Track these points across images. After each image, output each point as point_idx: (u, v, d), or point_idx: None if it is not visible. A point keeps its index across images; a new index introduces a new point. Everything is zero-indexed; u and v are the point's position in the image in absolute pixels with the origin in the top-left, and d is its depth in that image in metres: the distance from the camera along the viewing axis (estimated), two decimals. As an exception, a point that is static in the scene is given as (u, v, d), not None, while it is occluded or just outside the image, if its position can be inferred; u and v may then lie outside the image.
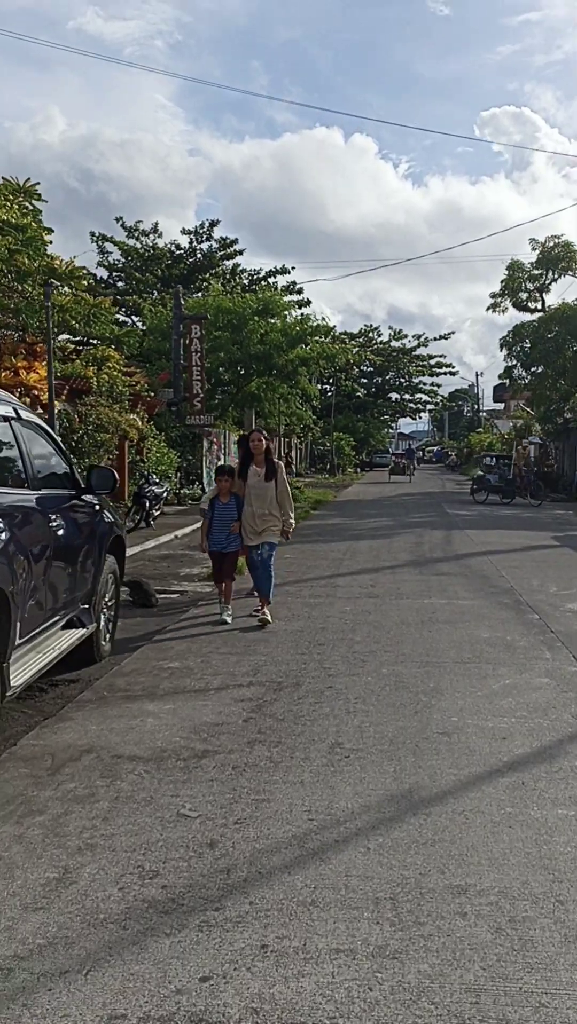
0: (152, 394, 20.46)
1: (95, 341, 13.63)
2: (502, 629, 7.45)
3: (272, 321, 29.09)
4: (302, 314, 31.52)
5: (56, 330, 12.29)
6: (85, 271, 11.55)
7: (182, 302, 27.60)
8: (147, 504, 15.97)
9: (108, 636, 6.67)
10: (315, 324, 29.34)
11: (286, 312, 29.93)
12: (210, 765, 4.25)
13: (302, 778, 4.06)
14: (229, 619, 7.84)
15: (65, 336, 12.71)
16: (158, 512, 17.00)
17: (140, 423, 18.86)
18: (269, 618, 7.65)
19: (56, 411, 14.10)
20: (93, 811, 3.72)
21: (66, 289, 11.86)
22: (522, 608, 8.46)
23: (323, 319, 29.39)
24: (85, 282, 11.75)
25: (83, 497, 6.14)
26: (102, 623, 6.43)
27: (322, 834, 3.47)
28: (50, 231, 12.80)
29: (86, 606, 6.07)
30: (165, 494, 17.42)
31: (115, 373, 15.55)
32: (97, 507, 6.48)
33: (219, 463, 31.24)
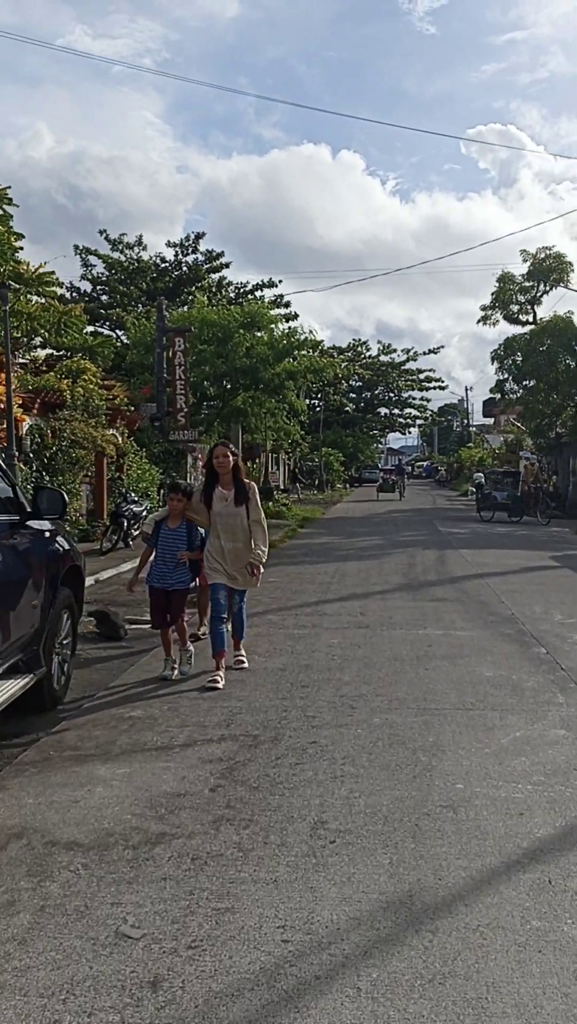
0: (132, 408, 19.70)
1: (69, 353, 12.82)
2: (507, 666, 6.70)
3: (258, 334, 28.46)
4: (289, 327, 30.85)
5: (24, 339, 11.52)
6: (55, 277, 10.78)
7: (166, 315, 26.93)
8: (125, 523, 15.19)
9: (62, 680, 5.88)
10: (302, 337, 28.64)
11: (273, 325, 29.27)
12: (164, 856, 3.47)
13: (276, 875, 3.29)
14: (175, 674, 6.42)
15: (37, 346, 11.92)
16: (137, 532, 16.19)
17: (119, 439, 18.11)
18: (246, 662, 6.83)
19: (27, 426, 13.35)
20: (9, 929, 2.93)
21: (34, 297, 11.10)
22: (527, 640, 7.71)
23: (310, 331, 28.60)
24: (55, 288, 10.97)
25: (29, 523, 5.36)
26: (54, 666, 5.65)
27: (299, 965, 2.69)
28: (20, 236, 12.10)
29: (35, 648, 5.28)
30: (145, 512, 16.63)
31: (91, 386, 14.80)
32: (47, 534, 5.69)
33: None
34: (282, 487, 46.82)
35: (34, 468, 13.04)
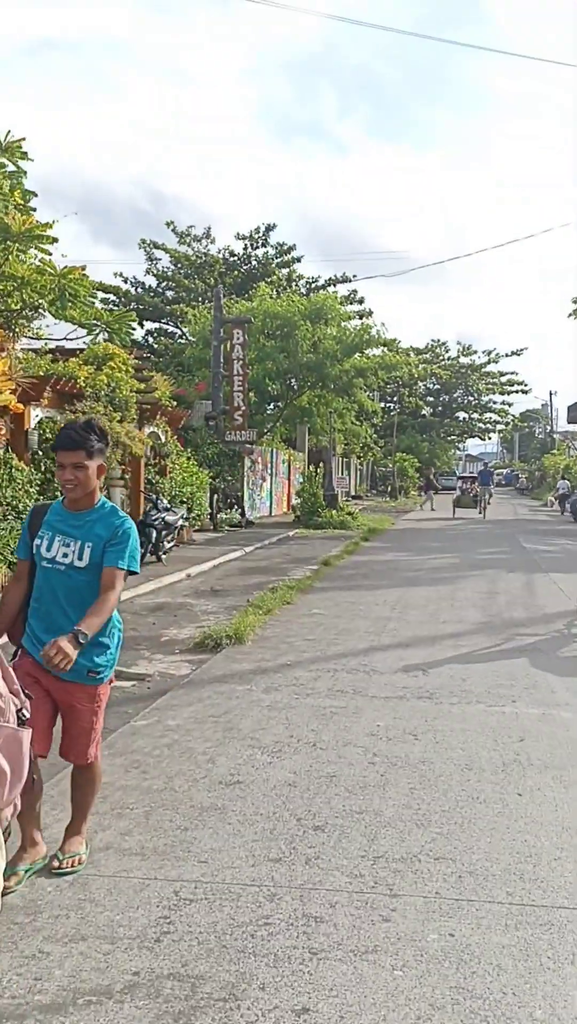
0: (176, 404, 17.62)
1: (85, 331, 10.74)
2: None
3: (326, 328, 26.16)
4: (362, 323, 28.33)
5: (27, 311, 9.48)
6: (50, 234, 8.67)
7: (224, 305, 24.88)
8: (155, 534, 13.06)
9: None
10: (375, 331, 26.17)
11: (341, 318, 26.91)
12: None
13: None
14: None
15: (37, 317, 9.85)
16: (171, 544, 14.07)
17: (161, 436, 16.05)
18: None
19: (35, 419, 11.35)
20: None
21: (33, 256, 9.04)
22: None
23: (382, 324, 26.12)
24: (48, 247, 8.86)
25: None
26: None
27: None
28: (31, 195, 10.10)
29: None
30: (181, 522, 14.50)
31: (118, 374, 12.72)
32: None
33: (263, 483, 28.51)
34: (353, 493, 44.41)
35: (43, 469, 11.01)
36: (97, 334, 10.65)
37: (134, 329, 12.62)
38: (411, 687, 6.16)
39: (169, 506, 14.10)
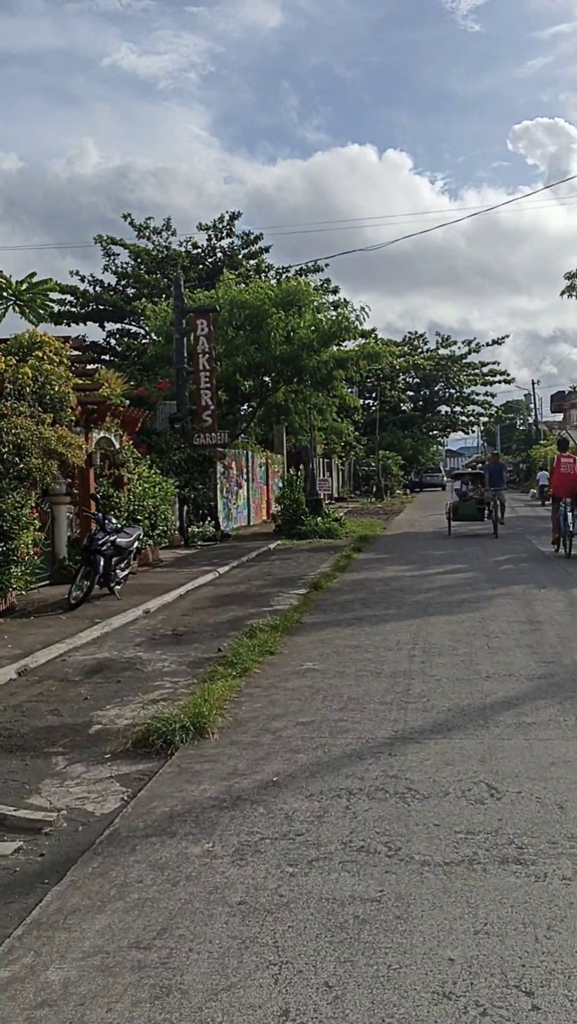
0: (126, 402, 15.08)
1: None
2: None
3: (300, 317, 23.67)
4: (338, 313, 25.76)
5: None
6: None
7: (185, 296, 22.38)
8: (102, 563, 10.53)
9: None
10: (352, 316, 23.71)
11: (316, 301, 24.45)
12: None
13: None
14: None
15: None
16: (125, 571, 11.53)
17: (108, 442, 13.51)
18: None
19: None
20: None
21: None
22: None
23: (362, 309, 23.68)
24: None
25: None
26: None
27: None
28: None
29: None
30: (137, 544, 11.96)
31: (48, 366, 10.18)
32: None
33: (238, 490, 25.97)
34: (336, 496, 41.96)
35: None
36: (4, 310, 8.10)
37: (54, 303, 10.26)
38: (481, 832, 3.68)
39: (120, 526, 11.54)
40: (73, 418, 11.16)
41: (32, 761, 4.95)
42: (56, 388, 10.39)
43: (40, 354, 10.15)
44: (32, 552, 10.23)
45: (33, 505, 10.50)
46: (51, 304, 9.85)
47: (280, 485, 26.05)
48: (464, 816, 3.85)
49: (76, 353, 11.78)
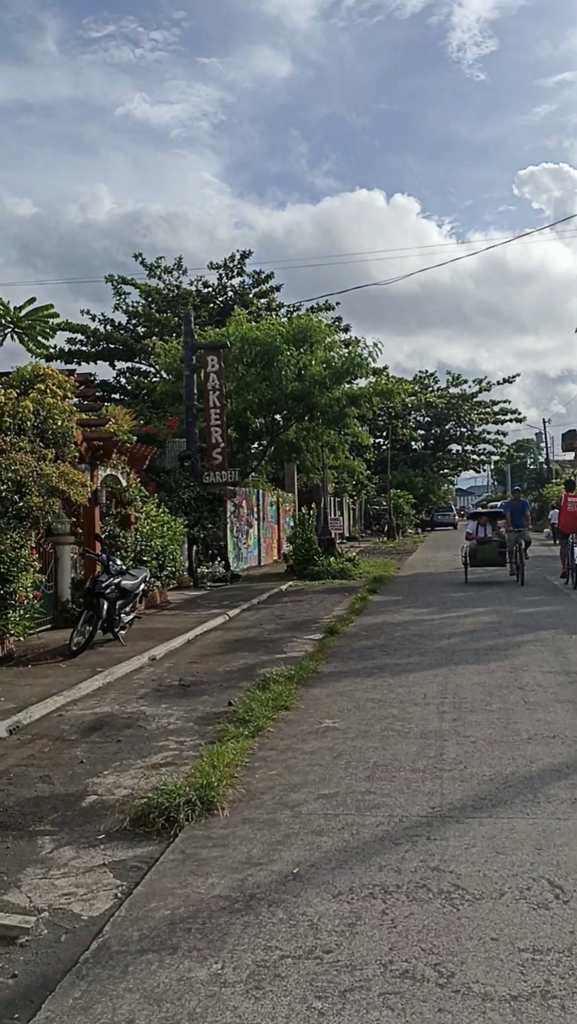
0: (133, 439, 14.59)
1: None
2: None
3: (312, 353, 23.28)
4: (350, 350, 25.35)
5: None
6: None
7: (196, 332, 22.06)
8: (105, 607, 9.93)
9: None
10: (365, 352, 23.31)
11: (328, 338, 24.08)
12: None
13: None
14: None
15: None
16: (131, 615, 10.92)
17: (114, 479, 12.98)
18: None
19: None
20: None
21: None
22: None
23: (375, 345, 23.28)
24: None
25: None
26: None
27: None
28: None
29: None
30: (143, 586, 11.36)
31: (50, 400, 9.69)
32: None
33: (249, 530, 25.35)
34: (347, 535, 41.32)
35: None
36: (3, 337, 7.63)
37: (53, 331, 9.81)
38: (551, 951, 3.00)
39: (125, 568, 10.94)
40: (77, 454, 10.64)
41: (15, 843, 4.30)
42: (59, 423, 9.89)
43: (43, 387, 9.67)
44: (32, 596, 9.64)
45: (34, 545, 9.94)
46: (52, 331, 9.35)
47: (291, 524, 25.50)
48: (527, 926, 3.18)
49: (81, 387, 11.28)
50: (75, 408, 10.42)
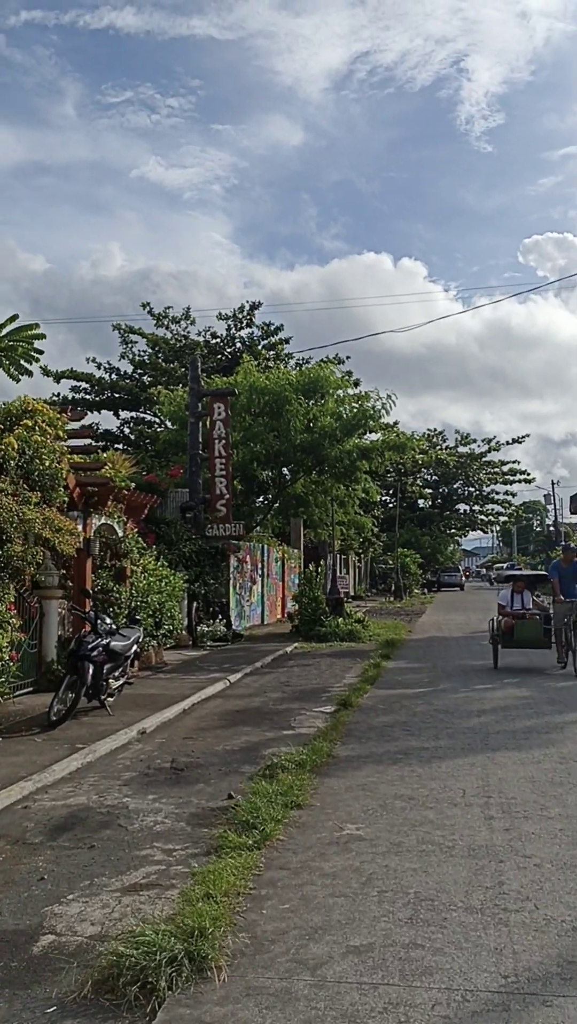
0: (132, 486, 13.57)
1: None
2: None
3: (322, 404, 22.45)
4: (360, 405, 24.42)
5: None
6: None
7: (202, 380, 21.25)
8: (91, 671, 8.76)
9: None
10: (377, 404, 22.48)
11: (339, 390, 23.29)
12: None
13: None
14: None
15: None
16: (121, 680, 9.74)
17: (109, 528, 11.91)
18: None
19: None
20: None
21: None
22: None
23: (388, 397, 22.46)
24: None
25: None
26: None
27: None
28: None
29: None
30: (135, 647, 10.20)
31: (39, 437, 8.68)
32: None
33: (252, 586, 24.17)
34: (353, 593, 40.06)
35: None
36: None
37: (40, 353, 8.85)
38: None
39: (116, 627, 9.79)
40: (67, 500, 9.60)
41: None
42: (47, 463, 8.86)
43: (30, 423, 8.67)
44: (7, 657, 8.48)
45: (13, 600, 8.83)
46: (36, 354, 8.40)
47: (296, 581, 24.32)
48: None
49: (74, 426, 10.30)
50: (67, 449, 9.39)
